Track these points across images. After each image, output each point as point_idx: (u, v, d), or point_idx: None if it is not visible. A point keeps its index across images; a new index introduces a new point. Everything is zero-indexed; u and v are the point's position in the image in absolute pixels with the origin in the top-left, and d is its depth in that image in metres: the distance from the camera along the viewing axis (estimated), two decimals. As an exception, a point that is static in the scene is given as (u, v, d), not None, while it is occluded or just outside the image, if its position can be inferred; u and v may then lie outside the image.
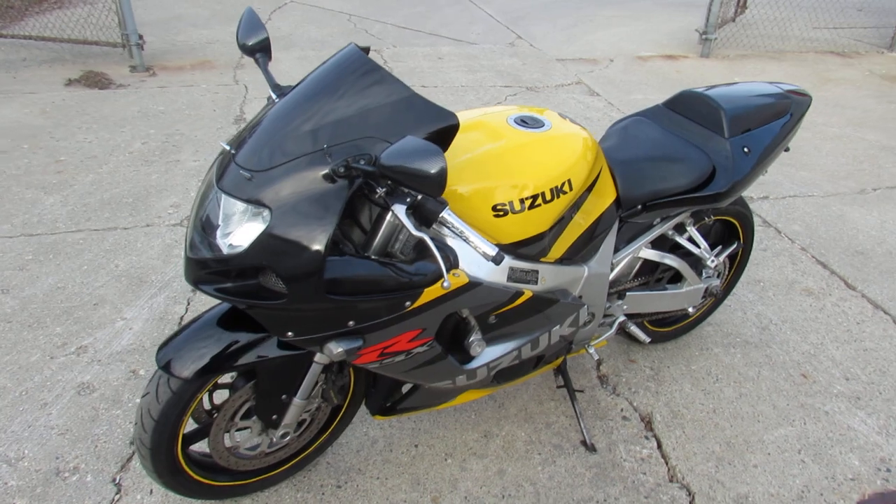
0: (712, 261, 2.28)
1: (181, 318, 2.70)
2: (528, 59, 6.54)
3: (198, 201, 1.58)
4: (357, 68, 1.52)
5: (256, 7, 7.86)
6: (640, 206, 2.04)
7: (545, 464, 2.11)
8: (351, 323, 1.52)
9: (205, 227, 1.50)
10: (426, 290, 1.56)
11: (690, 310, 2.41)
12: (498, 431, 2.22)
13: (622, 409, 2.33)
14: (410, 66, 6.15)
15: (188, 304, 2.78)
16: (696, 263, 2.34)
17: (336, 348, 1.55)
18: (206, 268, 1.49)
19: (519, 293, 1.74)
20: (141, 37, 5.54)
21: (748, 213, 2.45)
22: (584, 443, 2.18)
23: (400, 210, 1.41)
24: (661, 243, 2.24)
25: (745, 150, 2.12)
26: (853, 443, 2.24)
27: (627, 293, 2.21)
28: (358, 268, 1.47)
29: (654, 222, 2.17)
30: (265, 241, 1.41)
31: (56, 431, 2.16)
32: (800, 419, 2.32)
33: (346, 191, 1.42)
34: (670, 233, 2.21)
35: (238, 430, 1.83)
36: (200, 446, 1.89)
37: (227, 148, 1.53)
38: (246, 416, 1.80)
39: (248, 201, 1.43)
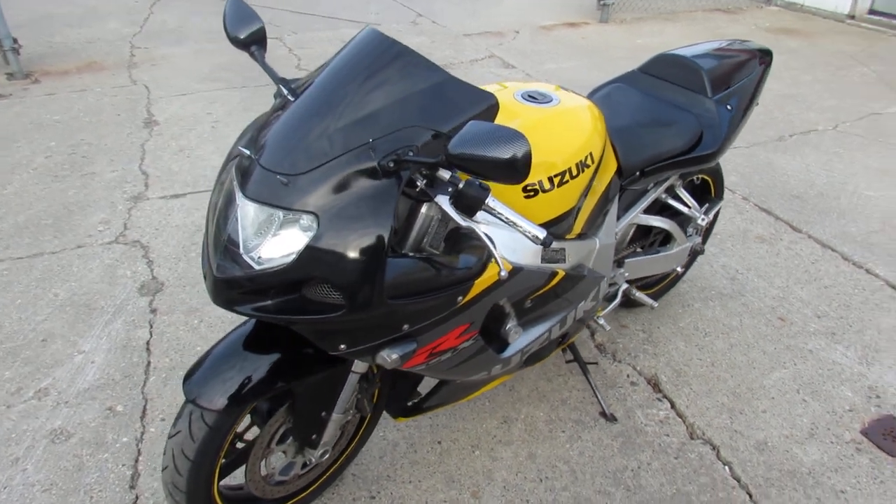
0: (702, 219, 2.32)
1: (147, 342, 2.48)
2: (436, 36, 6.45)
3: (215, 215, 1.42)
4: (383, 53, 1.41)
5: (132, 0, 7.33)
6: (638, 173, 2.04)
7: (572, 440, 2.10)
8: (406, 326, 1.43)
9: (231, 243, 1.35)
10: (476, 282, 1.49)
11: (679, 269, 2.46)
12: (516, 415, 2.19)
13: (628, 375, 2.35)
14: (318, 51, 5.92)
15: (151, 326, 2.55)
16: (682, 223, 2.38)
17: (391, 355, 1.45)
18: (239, 287, 1.35)
19: (553, 273, 1.70)
20: (15, 40, 5.01)
21: (719, 168, 2.52)
22: (603, 414, 2.18)
23: (444, 201, 1.33)
24: (651, 207, 2.26)
25: (728, 107, 2.16)
26: (841, 376, 2.37)
27: (626, 260, 2.22)
28: (414, 267, 1.37)
29: (648, 187, 2.18)
30: (315, 251, 1.28)
31: (39, 488, 1.93)
32: (790, 361, 2.43)
33: (397, 186, 1.32)
34: (663, 196, 2.23)
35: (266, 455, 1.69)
36: (226, 480, 1.74)
37: (247, 152, 1.38)
38: (280, 441, 1.67)
39: (287, 209, 1.29)
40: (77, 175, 3.65)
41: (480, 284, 1.50)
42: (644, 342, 2.51)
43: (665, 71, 2.24)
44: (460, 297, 1.47)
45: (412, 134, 1.34)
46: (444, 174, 1.30)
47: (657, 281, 2.64)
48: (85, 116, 4.42)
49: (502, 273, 1.38)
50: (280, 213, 1.31)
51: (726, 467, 2.01)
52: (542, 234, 1.35)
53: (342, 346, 1.41)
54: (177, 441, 1.49)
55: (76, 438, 2.08)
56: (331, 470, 1.88)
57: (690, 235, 2.44)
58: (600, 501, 1.90)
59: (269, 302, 1.35)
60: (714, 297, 2.77)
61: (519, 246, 1.60)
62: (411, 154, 1.31)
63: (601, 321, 2.18)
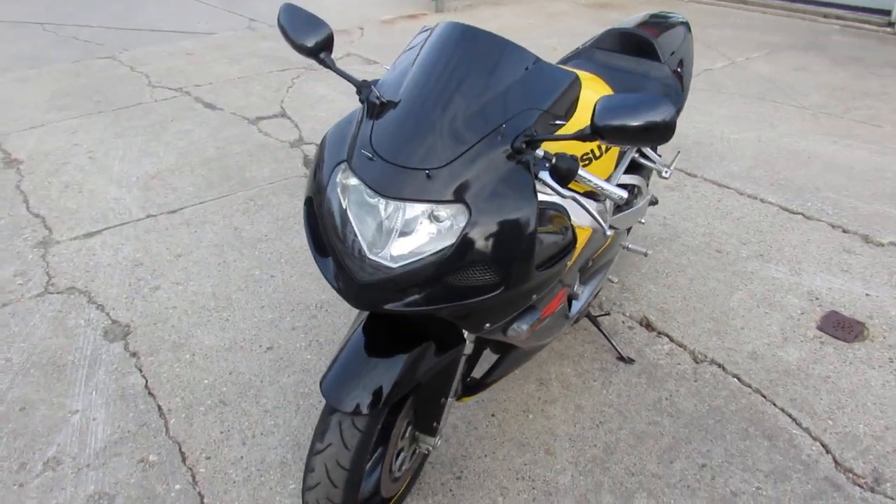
0: (667, 171, 2.61)
1: (145, 387, 2.31)
2: (280, 39, 6.32)
3: (335, 223, 1.41)
4: (478, 42, 1.48)
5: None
6: None
7: (605, 386, 2.30)
8: (535, 296, 1.53)
9: (370, 245, 1.37)
10: (577, 246, 1.62)
11: (643, 220, 2.74)
12: (548, 376, 2.35)
13: (623, 321, 2.60)
14: (165, 66, 5.58)
15: (140, 371, 2.38)
16: (646, 177, 2.65)
17: (521, 327, 1.54)
18: (389, 286, 1.37)
19: (607, 232, 1.87)
20: None
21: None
22: (620, 358, 2.41)
23: (546, 176, 1.44)
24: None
25: (679, 69, 2.46)
26: (783, 288, 2.79)
27: (615, 216, 2.45)
28: (548, 237, 1.47)
29: (626, 148, 2.42)
30: (471, 237, 1.34)
31: (108, 558, 1.77)
32: (740, 283, 2.82)
33: (530, 164, 1.41)
34: (636, 154, 2.48)
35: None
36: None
37: (369, 155, 1.40)
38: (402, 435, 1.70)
39: (437, 201, 1.34)
40: (-40, 229, 3.22)
41: (578, 248, 1.63)
42: (622, 291, 2.77)
43: (617, 44, 2.48)
44: (568, 262, 1.60)
45: (526, 116, 1.44)
46: (540, 152, 1.42)
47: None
48: (-71, 165, 3.86)
49: (608, 233, 1.53)
50: (429, 207, 1.35)
51: (735, 379, 2.32)
52: (625, 194, 1.52)
53: (486, 325, 1.48)
54: (329, 454, 1.47)
55: (122, 498, 1.93)
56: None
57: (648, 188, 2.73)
58: (654, 431, 2.12)
59: (417, 296, 1.39)
60: (658, 243, 3.10)
61: (581, 210, 1.75)
62: (535, 133, 1.40)
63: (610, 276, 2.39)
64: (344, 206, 1.43)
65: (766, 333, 2.53)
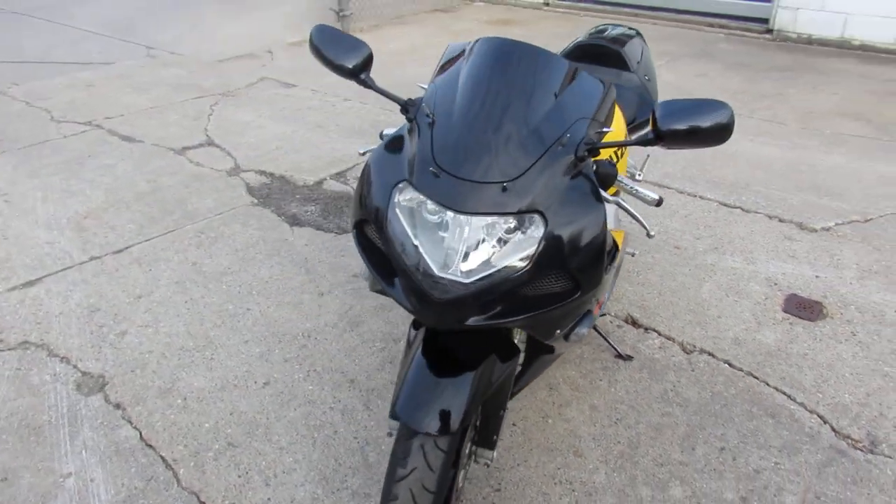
0: (639, 174, 2.73)
1: (141, 438, 2.15)
2: (187, 66, 6.10)
3: (403, 243, 1.40)
4: (522, 53, 1.51)
5: None
6: None
7: (612, 384, 2.37)
8: (594, 300, 1.56)
9: (447, 262, 1.36)
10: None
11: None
12: (555, 381, 2.39)
13: (610, 321, 2.69)
14: (66, 99, 5.23)
15: (130, 423, 2.22)
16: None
17: (581, 330, 1.57)
18: (472, 302, 1.37)
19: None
20: None
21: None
22: (619, 356, 2.49)
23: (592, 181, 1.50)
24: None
25: (646, 77, 2.59)
26: (743, 276, 2.98)
27: None
28: (609, 240, 1.51)
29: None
30: (549, 246, 1.37)
31: None
32: (706, 275, 2.99)
33: (592, 170, 1.45)
34: None
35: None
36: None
37: (434, 171, 1.39)
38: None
39: (514, 213, 1.35)
40: None
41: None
42: (601, 292, 2.87)
43: (587, 55, 2.59)
44: (617, 264, 1.65)
45: (581, 125, 1.48)
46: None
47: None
48: None
49: (652, 233, 1.59)
50: (505, 219, 1.36)
51: (726, 364, 2.46)
52: (657, 196, 1.60)
53: (557, 332, 1.50)
54: (414, 479, 1.43)
55: (149, 560, 1.78)
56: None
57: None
58: (669, 422, 2.21)
59: (497, 309, 1.39)
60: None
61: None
62: (595, 141, 1.45)
63: None
64: (409, 226, 1.41)
65: (742, 319, 2.69)
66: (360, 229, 1.56)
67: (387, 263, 1.49)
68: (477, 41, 1.59)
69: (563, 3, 8.11)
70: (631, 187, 1.64)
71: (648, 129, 1.40)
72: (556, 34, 7.03)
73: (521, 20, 7.74)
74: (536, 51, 1.53)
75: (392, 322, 2.68)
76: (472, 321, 1.37)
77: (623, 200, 1.67)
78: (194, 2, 8.65)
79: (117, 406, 2.28)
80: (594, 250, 1.41)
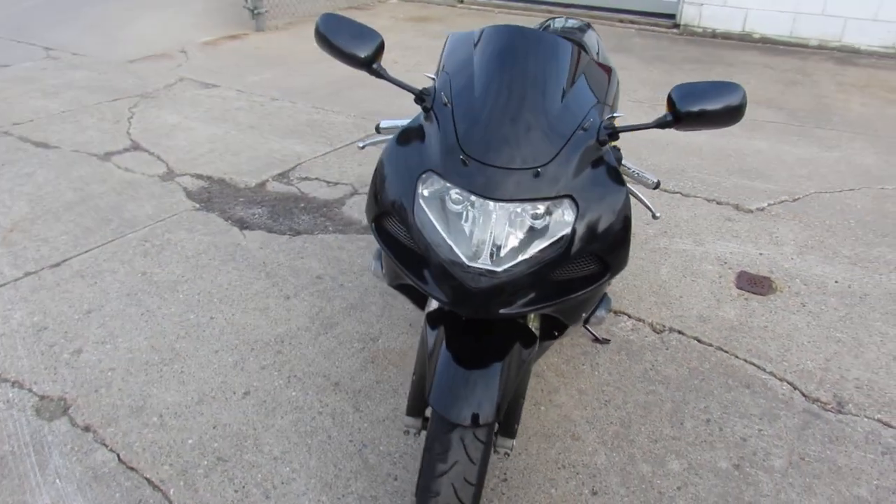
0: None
1: (120, 461, 2.02)
2: (95, 67, 5.77)
3: (432, 234, 1.38)
4: (535, 40, 1.52)
5: None
6: None
7: (594, 368, 2.42)
8: (612, 281, 1.59)
9: (474, 251, 1.35)
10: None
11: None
12: (540, 369, 2.42)
13: (581, 307, 2.75)
14: (-32, 105, 4.82)
15: (105, 446, 2.08)
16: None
17: (601, 313, 1.60)
18: (509, 289, 1.37)
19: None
20: None
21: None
22: (595, 339, 2.55)
23: None
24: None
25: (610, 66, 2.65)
26: (695, 257, 3.12)
27: None
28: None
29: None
30: (582, 229, 1.38)
31: None
32: (661, 259, 3.11)
33: (612, 152, 1.48)
34: None
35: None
36: None
37: (463, 160, 1.38)
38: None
39: (548, 198, 1.36)
40: None
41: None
42: (567, 280, 2.93)
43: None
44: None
45: (598, 110, 1.51)
46: None
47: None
48: None
49: (658, 215, 1.64)
50: (534, 206, 1.36)
51: (696, 341, 2.57)
52: (657, 179, 1.66)
53: (583, 315, 1.51)
54: (455, 473, 1.42)
55: (154, 588, 1.67)
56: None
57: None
58: (655, 399, 2.28)
59: (530, 296, 1.40)
60: (576, 232, 3.31)
61: None
62: (613, 125, 1.48)
63: None
64: (436, 216, 1.39)
65: (702, 298, 2.82)
66: (378, 224, 1.52)
67: (409, 257, 1.46)
68: (484, 30, 1.58)
69: (478, 0, 8.20)
70: (633, 171, 1.68)
71: (665, 112, 1.44)
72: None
73: (437, 17, 7.77)
74: (544, 36, 1.54)
75: (367, 322, 2.63)
76: (507, 309, 1.37)
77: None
78: (86, 1, 8.18)
79: (86, 429, 2.13)
80: (622, 231, 1.44)
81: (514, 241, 1.36)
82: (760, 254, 3.14)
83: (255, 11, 6.88)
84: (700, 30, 6.87)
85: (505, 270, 1.35)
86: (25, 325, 2.59)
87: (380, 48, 1.52)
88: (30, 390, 2.27)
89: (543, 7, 7.71)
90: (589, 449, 2.09)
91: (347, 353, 2.47)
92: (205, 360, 2.42)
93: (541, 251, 1.36)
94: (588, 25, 2.85)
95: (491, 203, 1.34)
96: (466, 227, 1.36)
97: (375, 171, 1.53)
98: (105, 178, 3.79)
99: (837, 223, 3.40)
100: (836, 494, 1.93)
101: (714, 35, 6.82)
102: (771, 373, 2.40)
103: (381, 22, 7.50)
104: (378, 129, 1.76)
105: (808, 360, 2.47)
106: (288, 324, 2.62)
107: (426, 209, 1.40)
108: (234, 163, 4.01)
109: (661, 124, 1.46)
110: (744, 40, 6.71)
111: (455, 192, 1.37)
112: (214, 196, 3.62)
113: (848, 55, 6.26)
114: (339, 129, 4.54)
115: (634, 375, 2.38)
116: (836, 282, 2.93)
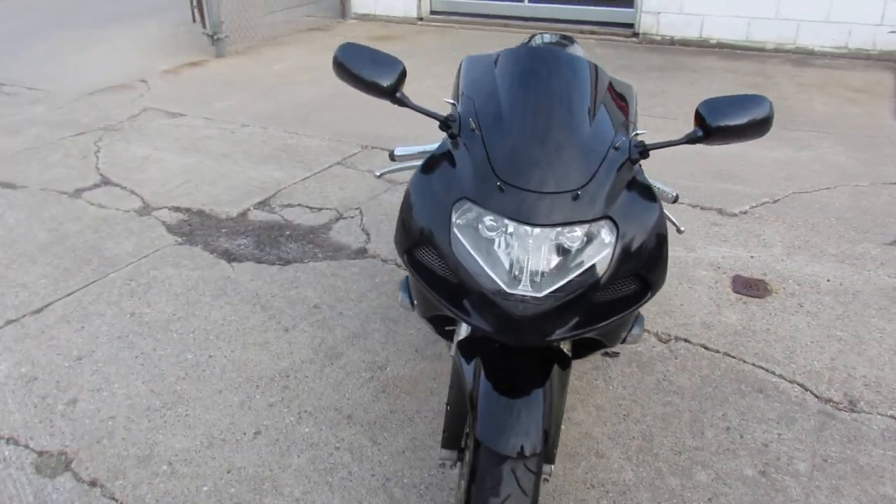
0: None
1: (107, 485, 1.93)
2: (53, 101, 5.60)
3: (471, 262, 1.35)
4: (557, 61, 1.51)
5: None
6: None
7: (608, 382, 2.41)
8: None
9: (513, 278, 1.33)
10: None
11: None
12: (554, 386, 2.39)
13: (585, 321, 2.74)
14: (-77, 146, 4.62)
15: (115, 499, 1.98)
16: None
17: (636, 331, 1.58)
18: (555, 314, 1.34)
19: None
20: None
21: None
22: (605, 353, 2.54)
23: None
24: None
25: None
26: (690, 264, 3.15)
27: None
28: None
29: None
30: (623, 250, 1.37)
31: None
32: (656, 267, 3.12)
33: (641, 169, 1.47)
34: None
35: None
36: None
37: (499, 186, 1.35)
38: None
39: (588, 221, 1.34)
40: None
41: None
42: (567, 294, 2.92)
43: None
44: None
45: (625, 128, 1.50)
46: None
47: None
48: None
49: (682, 229, 1.64)
50: (571, 229, 1.34)
51: (703, 348, 2.58)
52: (676, 193, 1.67)
53: (623, 335, 1.49)
54: (509, 508, 1.37)
55: None
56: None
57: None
58: (673, 410, 2.28)
59: (576, 319, 1.37)
60: (568, 245, 3.31)
61: None
62: (644, 143, 1.47)
63: None
64: (471, 244, 1.36)
65: (702, 304, 2.84)
66: (410, 255, 1.48)
67: (445, 287, 1.43)
68: (501, 53, 1.56)
69: (436, 17, 8.23)
70: (654, 186, 1.67)
71: (694, 127, 1.43)
72: (437, 47, 7.11)
73: (399, 35, 7.76)
74: (562, 55, 1.53)
75: (372, 350, 2.58)
76: (553, 335, 1.34)
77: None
78: (34, 32, 7.97)
79: (93, 483, 2.03)
80: (660, 248, 1.43)
81: (553, 266, 1.34)
82: (751, 256, 3.18)
83: (216, 37, 6.77)
84: (659, 37, 7.00)
85: (547, 296, 1.33)
86: (13, 376, 2.46)
87: (402, 76, 1.49)
88: (26, 446, 2.16)
89: (500, 21, 7.77)
90: (615, 466, 2.07)
91: (356, 384, 2.41)
92: (209, 402, 2.34)
93: (581, 274, 1.34)
94: (571, 39, 2.86)
95: (530, 228, 1.31)
96: (501, 254, 1.34)
97: (403, 201, 1.49)
98: (79, 216, 3.66)
99: (819, 222, 3.47)
100: (863, 494, 1.95)
101: (672, 42, 6.96)
102: (781, 376, 2.42)
103: (340, 42, 7.44)
104: (392, 157, 1.73)
105: (815, 361, 2.49)
106: (291, 357, 2.55)
107: (461, 238, 1.37)
108: (212, 193, 3.91)
109: (691, 140, 1.46)
110: (702, 46, 6.86)
111: (489, 219, 1.35)
112: (196, 228, 3.52)
113: (804, 56, 6.45)
114: (315, 153, 4.48)
115: (648, 387, 2.38)
116: (827, 280, 2.98)
